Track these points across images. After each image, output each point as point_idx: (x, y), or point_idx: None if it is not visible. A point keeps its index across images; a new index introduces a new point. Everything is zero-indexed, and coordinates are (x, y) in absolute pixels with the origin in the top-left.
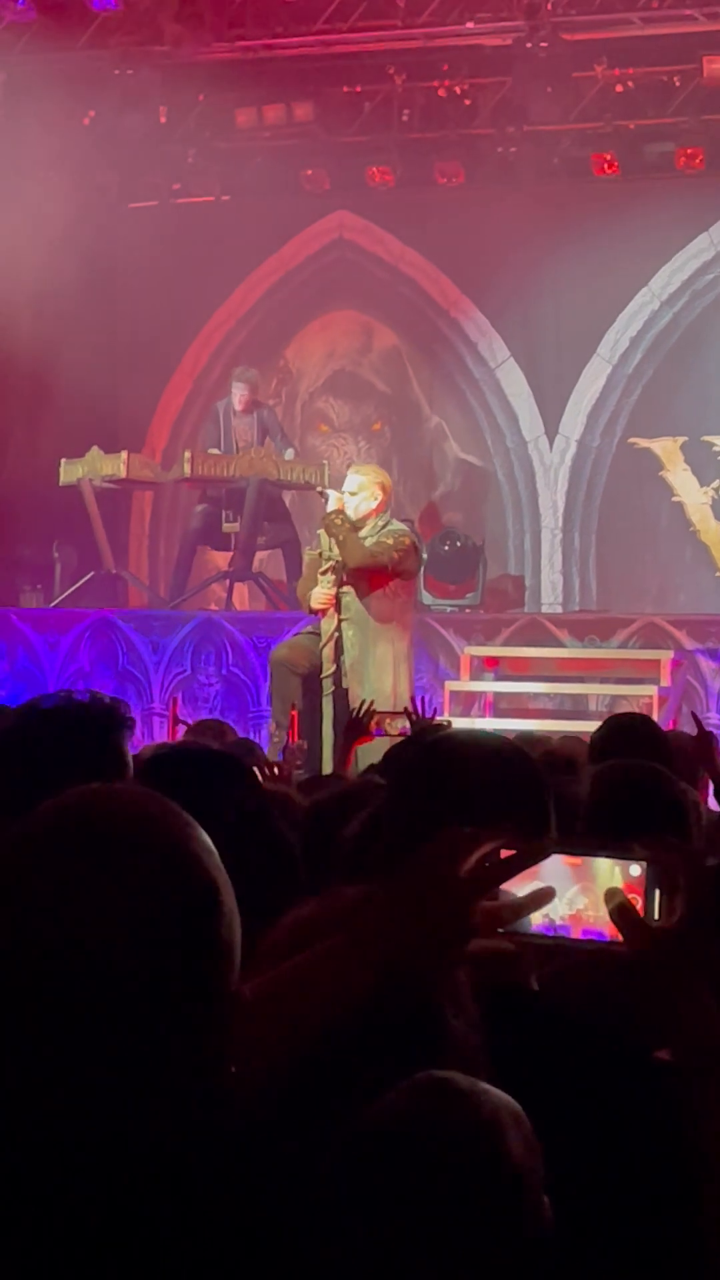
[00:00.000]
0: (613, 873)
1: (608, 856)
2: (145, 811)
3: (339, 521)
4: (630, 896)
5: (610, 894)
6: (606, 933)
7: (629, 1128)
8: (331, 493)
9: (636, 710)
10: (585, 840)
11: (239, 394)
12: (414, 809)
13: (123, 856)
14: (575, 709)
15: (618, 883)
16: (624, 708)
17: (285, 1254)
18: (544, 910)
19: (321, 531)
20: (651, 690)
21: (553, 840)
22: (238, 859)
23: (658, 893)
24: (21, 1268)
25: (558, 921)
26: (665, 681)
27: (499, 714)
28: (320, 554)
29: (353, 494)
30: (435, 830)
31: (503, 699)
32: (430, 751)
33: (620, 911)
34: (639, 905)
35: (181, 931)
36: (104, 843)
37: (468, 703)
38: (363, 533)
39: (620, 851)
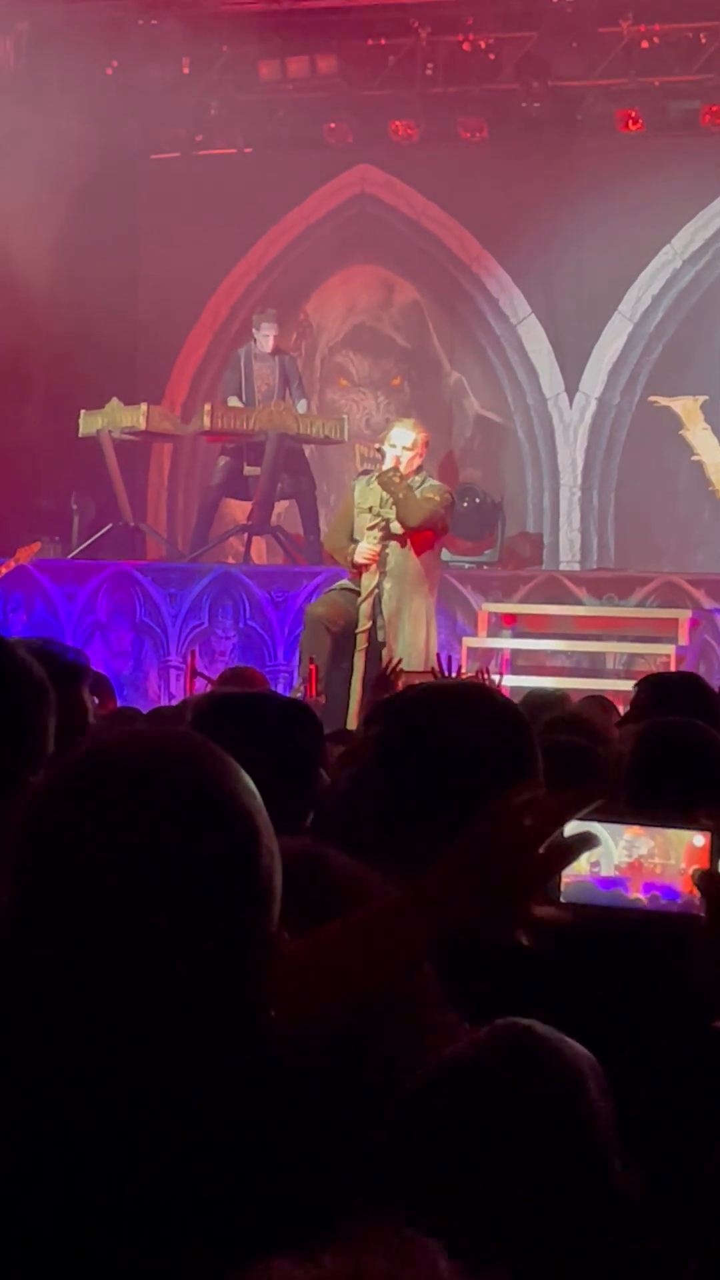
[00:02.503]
0: (677, 839)
1: (672, 827)
2: (186, 752)
3: (398, 479)
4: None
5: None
6: (677, 887)
7: (689, 1095)
8: (389, 449)
9: (652, 669)
10: (649, 811)
11: (270, 333)
12: (399, 759)
13: (163, 795)
14: (593, 667)
15: (683, 844)
16: (642, 666)
17: (326, 1192)
18: (596, 857)
19: (362, 486)
20: (669, 649)
21: (606, 786)
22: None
23: None
24: (57, 1202)
25: (617, 873)
26: (683, 640)
27: (516, 671)
28: (370, 509)
29: (407, 449)
30: (418, 778)
31: (520, 656)
32: (415, 702)
33: (706, 879)
34: None
35: (221, 871)
36: (145, 782)
37: (485, 659)
38: None
39: (685, 821)
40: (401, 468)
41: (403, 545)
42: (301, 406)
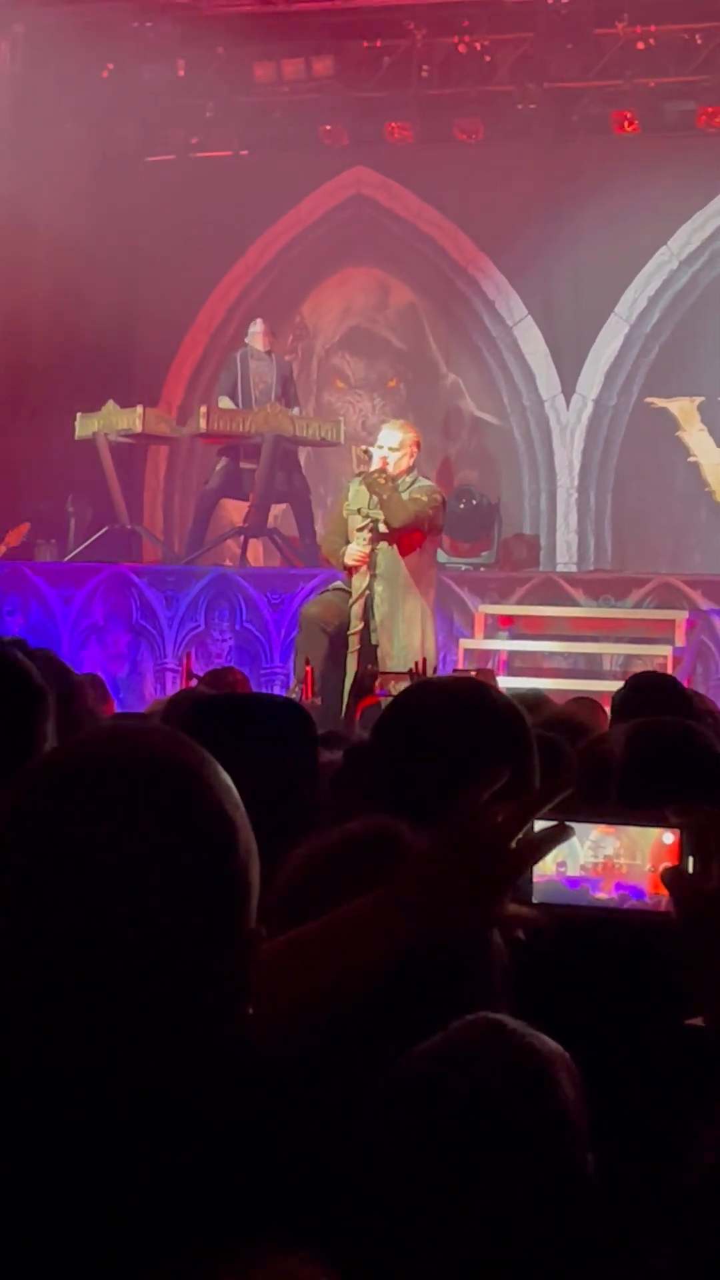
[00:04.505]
0: (645, 836)
1: (641, 825)
2: (163, 748)
3: (383, 480)
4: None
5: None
6: (644, 887)
7: (660, 1095)
8: (375, 450)
9: (652, 670)
10: (618, 809)
11: (259, 330)
12: (391, 752)
13: (139, 792)
14: (589, 668)
15: (649, 844)
16: (639, 668)
17: (306, 1191)
18: (563, 857)
19: (355, 488)
20: (666, 650)
21: (571, 779)
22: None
23: (692, 859)
24: (31, 1205)
25: (584, 872)
26: (680, 642)
27: (513, 672)
28: (360, 511)
29: (394, 450)
30: (410, 773)
31: (517, 657)
32: (406, 697)
33: (675, 877)
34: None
35: (197, 868)
36: (120, 778)
37: (482, 661)
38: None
39: (654, 820)
40: (389, 468)
41: (402, 552)
42: (295, 413)
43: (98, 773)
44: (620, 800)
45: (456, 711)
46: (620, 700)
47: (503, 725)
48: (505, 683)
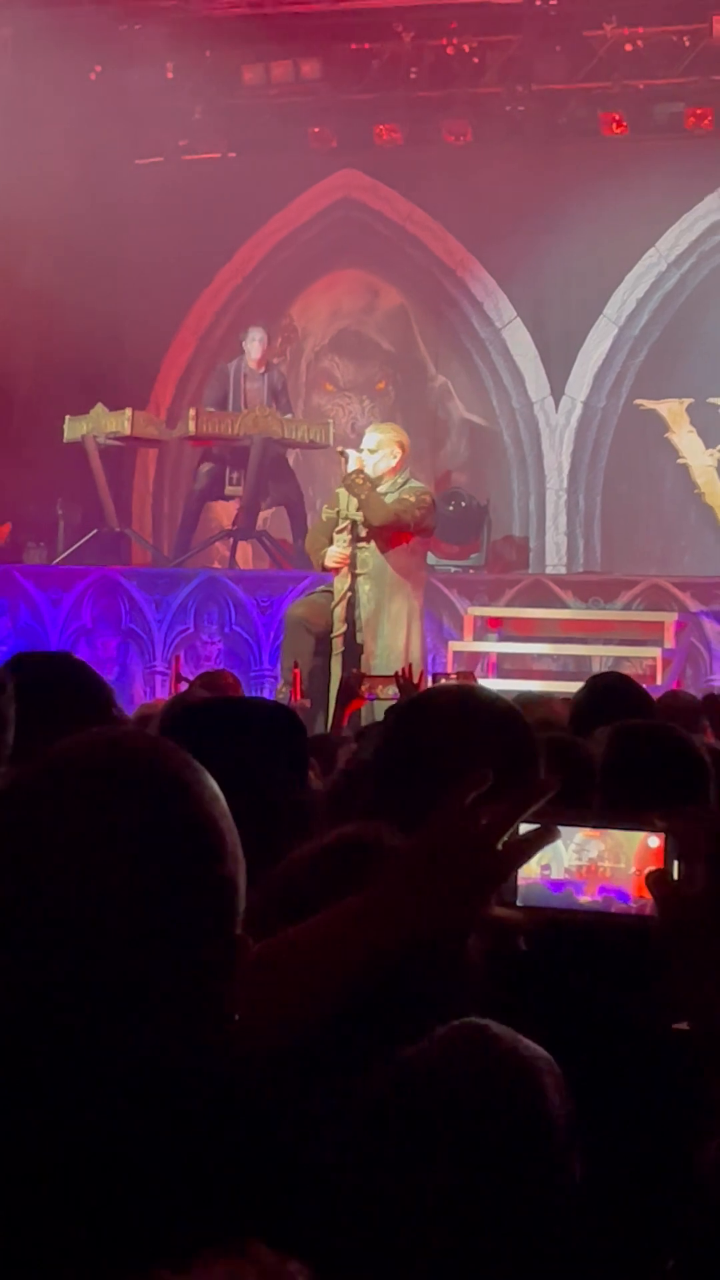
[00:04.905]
0: (630, 839)
1: (627, 829)
2: (149, 755)
3: (360, 480)
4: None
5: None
6: (628, 890)
7: (647, 1100)
8: (351, 452)
9: (640, 672)
10: (602, 812)
11: (258, 343)
12: (396, 762)
13: (126, 798)
14: (579, 670)
15: (634, 848)
16: (628, 669)
17: (290, 1199)
18: (547, 859)
19: (339, 490)
20: (655, 652)
21: (556, 781)
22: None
23: (677, 863)
24: (11, 1213)
25: (569, 876)
26: (669, 643)
27: (502, 674)
28: (338, 512)
29: (371, 451)
30: (416, 782)
31: (506, 659)
32: (413, 706)
33: (659, 881)
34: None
35: (183, 875)
36: (108, 784)
37: (471, 663)
38: (380, 489)
39: (639, 823)
40: (368, 470)
41: (367, 542)
42: (287, 419)
43: (81, 778)
44: (602, 802)
45: (451, 721)
46: (580, 702)
47: (496, 730)
48: (495, 685)
